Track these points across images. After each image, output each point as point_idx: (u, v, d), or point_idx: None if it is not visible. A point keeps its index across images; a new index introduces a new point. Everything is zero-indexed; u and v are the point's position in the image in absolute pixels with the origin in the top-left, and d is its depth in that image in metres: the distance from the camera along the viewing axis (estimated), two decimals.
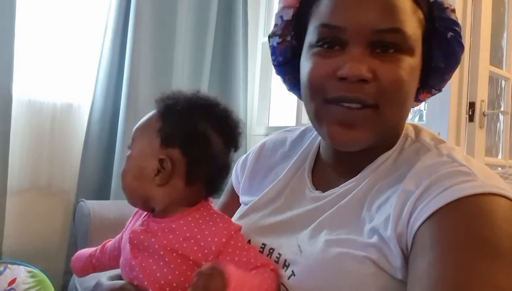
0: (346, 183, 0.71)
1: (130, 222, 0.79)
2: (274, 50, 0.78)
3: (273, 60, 0.79)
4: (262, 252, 0.70)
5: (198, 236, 0.67)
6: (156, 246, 0.68)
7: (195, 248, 0.67)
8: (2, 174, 1.88)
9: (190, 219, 0.70)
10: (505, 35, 2.09)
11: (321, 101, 0.66)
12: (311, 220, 0.69)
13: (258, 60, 2.62)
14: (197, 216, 0.70)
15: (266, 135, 2.49)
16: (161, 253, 0.68)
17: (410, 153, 0.70)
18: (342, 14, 0.64)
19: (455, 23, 0.69)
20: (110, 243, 0.83)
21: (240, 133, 0.77)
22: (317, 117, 0.68)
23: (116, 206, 1.94)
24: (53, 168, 2.08)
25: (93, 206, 1.87)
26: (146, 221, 0.74)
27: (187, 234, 0.68)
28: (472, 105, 1.70)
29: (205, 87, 2.35)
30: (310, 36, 0.68)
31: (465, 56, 1.75)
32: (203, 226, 0.68)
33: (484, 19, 1.79)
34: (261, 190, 0.81)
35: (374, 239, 0.61)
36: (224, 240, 0.66)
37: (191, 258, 0.66)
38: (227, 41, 2.42)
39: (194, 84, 2.30)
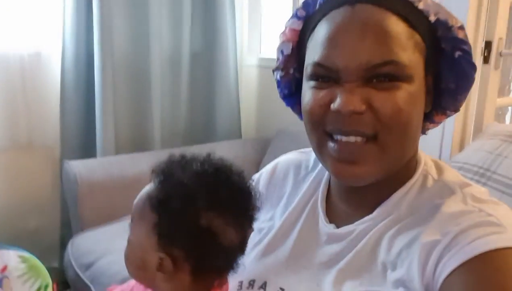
0: (361, 221, 0.69)
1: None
2: (279, 84, 0.78)
3: (280, 93, 0.79)
4: None
5: None
6: None
7: None
8: None
9: None
10: None
11: (321, 133, 0.66)
12: (331, 265, 0.69)
13: None
14: None
15: (258, 66, 2.32)
16: None
17: (432, 194, 0.66)
18: (333, 53, 0.62)
19: (463, 42, 0.64)
20: None
21: (255, 207, 0.70)
22: (319, 151, 0.68)
23: (103, 165, 1.84)
24: (31, 123, 1.94)
25: (78, 169, 1.76)
26: None
27: None
28: (488, 45, 1.50)
29: (188, 16, 2.11)
30: (307, 70, 0.67)
31: None
32: None
33: None
34: (273, 217, 0.81)
35: (400, 290, 0.61)
36: None
37: None
38: None
39: (175, 14, 2.06)
